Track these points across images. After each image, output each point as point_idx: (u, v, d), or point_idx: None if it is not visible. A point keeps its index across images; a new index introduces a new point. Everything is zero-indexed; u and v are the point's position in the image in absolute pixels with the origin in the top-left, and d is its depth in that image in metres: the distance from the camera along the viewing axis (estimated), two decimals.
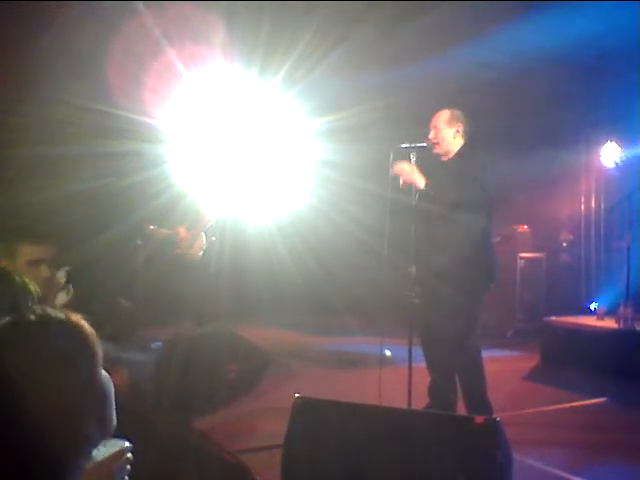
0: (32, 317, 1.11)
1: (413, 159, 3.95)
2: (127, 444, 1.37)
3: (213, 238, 5.56)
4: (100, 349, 1.17)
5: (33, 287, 1.73)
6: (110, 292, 4.85)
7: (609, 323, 6.32)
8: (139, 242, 5.57)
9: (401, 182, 3.98)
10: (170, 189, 5.39)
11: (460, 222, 3.90)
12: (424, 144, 4.07)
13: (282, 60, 6.37)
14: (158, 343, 5.06)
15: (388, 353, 4.07)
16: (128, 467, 1.37)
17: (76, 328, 1.14)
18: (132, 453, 1.40)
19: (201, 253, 5.46)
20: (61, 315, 1.14)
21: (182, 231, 5.59)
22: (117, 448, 1.34)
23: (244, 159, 6.72)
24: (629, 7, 5.69)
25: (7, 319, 1.12)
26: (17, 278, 1.72)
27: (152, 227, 5.51)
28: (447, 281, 3.91)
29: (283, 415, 2.98)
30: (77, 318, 1.16)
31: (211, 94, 6.69)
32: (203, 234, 5.51)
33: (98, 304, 4.00)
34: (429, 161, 4.14)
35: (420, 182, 3.92)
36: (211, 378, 4.42)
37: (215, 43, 6.12)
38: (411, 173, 3.92)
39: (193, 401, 3.97)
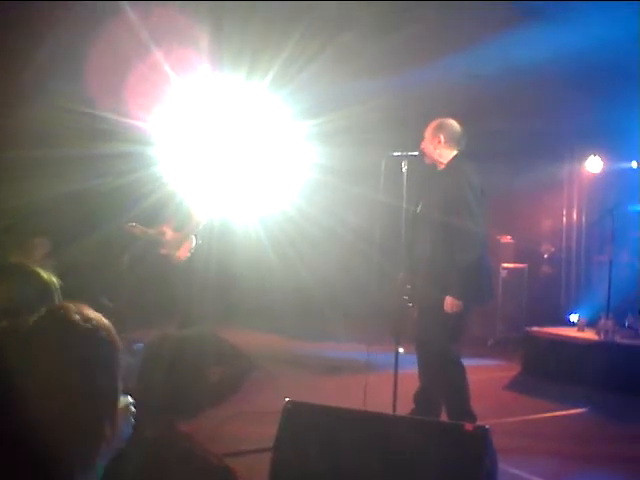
0: (76, 316, 1.11)
1: (404, 167, 3.98)
2: (129, 399, 1.39)
3: (200, 241, 5.53)
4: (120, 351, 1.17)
5: (56, 281, 1.73)
6: (95, 292, 4.81)
7: (590, 335, 6.39)
8: (124, 243, 5.53)
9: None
10: (160, 190, 5.36)
11: (464, 233, 3.92)
12: (415, 153, 4.11)
13: (271, 62, 6.37)
14: (140, 345, 5.01)
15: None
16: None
17: (105, 331, 1.14)
18: (118, 455, 1.41)
19: (188, 255, 5.43)
20: (84, 314, 1.14)
21: (169, 232, 5.55)
22: (125, 403, 1.37)
23: (233, 161, 6.70)
24: (616, 22, 5.79)
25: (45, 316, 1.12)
26: (43, 274, 1.72)
27: (137, 227, 5.47)
28: (438, 288, 3.93)
29: (267, 419, 2.97)
30: (102, 319, 1.16)
31: (200, 96, 6.67)
32: (193, 236, 5.48)
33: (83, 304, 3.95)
34: (423, 169, 4.17)
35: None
36: (195, 381, 4.39)
37: (202, 45, 6.11)
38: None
39: (178, 403, 3.94)
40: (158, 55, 5.95)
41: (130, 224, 5.43)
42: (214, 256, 5.51)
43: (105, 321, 1.18)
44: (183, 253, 5.47)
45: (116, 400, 1.17)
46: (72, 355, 1.10)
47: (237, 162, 6.79)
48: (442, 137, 4.11)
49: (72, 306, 1.16)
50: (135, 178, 5.53)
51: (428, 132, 4.16)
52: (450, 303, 3.90)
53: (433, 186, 4.14)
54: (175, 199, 5.46)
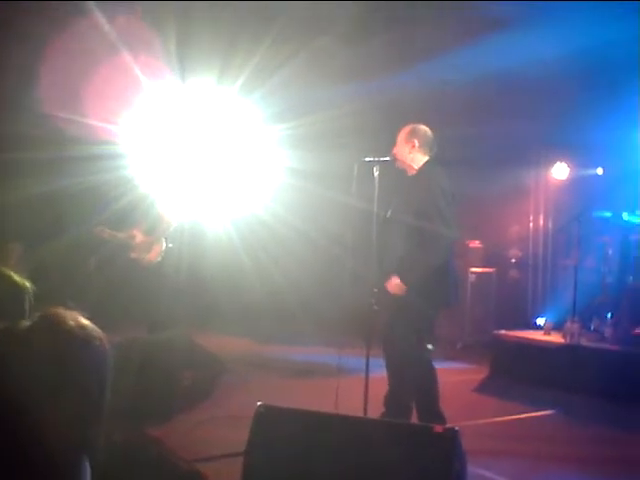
0: (71, 323, 1.10)
1: (376, 172, 4.02)
2: None
3: (170, 245, 5.49)
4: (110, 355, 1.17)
5: (28, 285, 1.71)
6: (63, 295, 4.73)
7: (556, 338, 6.51)
8: (92, 246, 5.47)
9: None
10: (130, 193, 5.31)
11: (433, 236, 3.97)
12: (387, 158, 4.16)
13: (243, 65, 6.37)
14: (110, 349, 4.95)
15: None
16: None
17: (98, 339, 1.14)
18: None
19: (159, 258, 5.39)
20: (78, 321, 1.14)
21: (138, 235, 5.51)
22: None
23: (205, 164, 6.68)
24: (583, 32, 5.92)
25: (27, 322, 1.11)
26: (16, 278, 1.70)
27: (106, 230, 5.41)
28: (411, 290, 3.98)
29: (238, 423, 2.97)
30: (95, 327, 1.16)
31: (171, 99, 6.64)
32: (163, 239, 5.44)
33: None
34: (394, 174, 4.22)
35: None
36: (166, 385, 4.36)
37: (171, 48, 6.08)
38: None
39: (147, 408, 3.91)
40: (127, 58, 5.91)
41: (99, 227, 5.37)
42: (185, 259, 5.49)
43: (98, 329, 1.18)
44: (153, 257, 5.43)
45: (104, 408, 1.17)
46: (67, 362, 1.09)
47: (209, 165, 6.77)
48: (416, 142, 4.17)
49: (66, 312, 1.16)
50: (105, 181, 5.47)
51: (401, 137, 4.21)
52: (395, 284, 3.94)
53: (404, 190, 4.19)
54: (145, 202, 5.41)
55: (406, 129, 4.24)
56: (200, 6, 5.85)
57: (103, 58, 5.81)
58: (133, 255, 5.47)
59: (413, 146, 4.17)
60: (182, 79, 6.53)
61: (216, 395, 4.94)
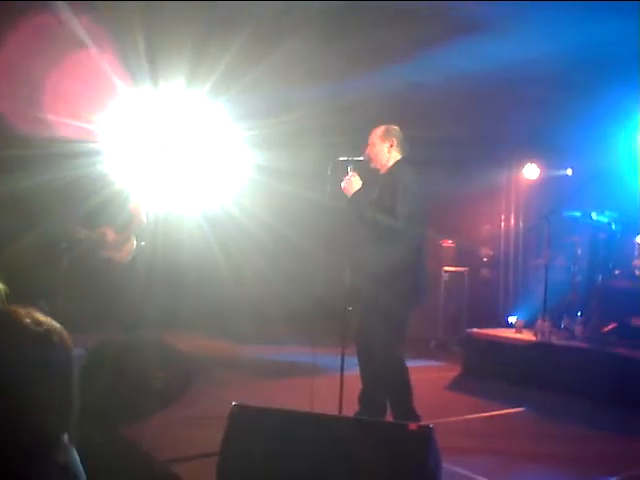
0: (27, 320, 1.09)
1: (350, 172, 4.04)
2: None
3: (143, 243, 5.44)
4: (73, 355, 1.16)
5: (2, 287, 1.68)
6: (33, 296, 4.66)
7: (527, 336, 6.61)
8: (64, 245, 5.38)
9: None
10: (101, 191, 5.24)
11: (396, 232, 4.00)
12: (361, 158, 4.18)
13: (215, 63, 6.34)
14: (82, 350, 4.89)
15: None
16: None
17: (57, 335, 1.13)
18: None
19: (130, 257, 5.33)
20: (34, 318, 1.12)
21: (110, 233, 5.44)
22: None
23: (178, 163, 6.63)
24: (551, 34, 6.00)
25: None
26: None
27: (77, 228, 5.33)
28: (382, 287, 4.01)
29: (212, 424, 2.96)
30: (54, 323, 1.14)
31: (141, 98, 6.58)
32: (134, 237, 5.39)
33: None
34: (367, 174, 4.24)
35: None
36: (139, 386, 4.32)
37: (140, 47, 6.03)
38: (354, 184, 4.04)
39: (120, 409, 3.87)
40: (95, 57, 5.84)
41: (72, 226, 5.29)
42: (158, 258, 5.44)
43: (57, 324, 1.16)
44: (125, 255, 5.37)
45: (70, 405, 1.16)
46: (24, 360, 1.08)
47: (181, 164, 6.72)
48: (394, 141, 4.21)
49: (22, 310, 1.14)
50: (77, 179, 5.39)
51: (377, 137, 4.24)
52: (354, 182, 4.02)
53: (377, 189, 4.22)
54: (117, 200, 5.35)
55: (380, 129, 4.27)
56: (170, 7, 5.80)
57: (69, 56, 5.74)
58: (105, 254, 5.40)
59: (391, 145, 4.21)
60: (152, 79, 6.47)
61: (190, 395, 4.91)
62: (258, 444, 2.76)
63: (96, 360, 4.29)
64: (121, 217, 5.38)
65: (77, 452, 1.49)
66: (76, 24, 5.47)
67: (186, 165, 6.89)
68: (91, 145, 5.91)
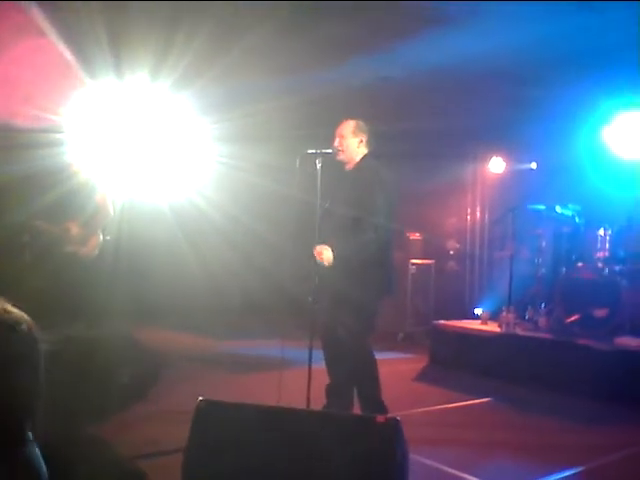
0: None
1: (319, 165, 4.04)
2: None
3: (108, 237, 5.35)
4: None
5: None
6: None
7: (492, 327, 6.70)
8: (25, 239, 5.25)
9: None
10: (64, 183, 5.14)
11: (365, 227, 4.02)
12: (329, 150, 4.18)
13: (181, 54, 6.25)
14: (45, 345, 4.80)
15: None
16: None
17: (26, 324, 1.10)
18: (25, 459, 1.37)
19: (96, 251, 5.24)
20: (3, 307, 1.09)
21: (74, 228, 5.34)
22: None
23: (145, 155, 6.54)
24: (516, 28, 6.05)
25: None
26: None
27: (40, 222, 5.22)
28: (351, 281, 4.02)
29: (179, 419, 2.93)
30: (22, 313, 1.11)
31: (105, 90, 6.46)
32: (100, 231, 5.29)
33: None
34: (333, 167, 4.24)
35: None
36: (103, 382, 4.26)
37: (102, 38, 5.92)
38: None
39: (84, 405, 3.81)
40: (56, 45, 5.72)
41: (33, 219, 5.17)
42: (124, 252, 5.36)
43: (25, 315, 1.14)
44: (90, 250, 5.28)
45: (37, 395, 1.13)
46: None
47: (148, 157, 6.63)
48: (364, 137, 4.24)
49: None
50: (40, 170, 5.27)
51: (348, 131, 4.25)
52: (327, 255, 3.97)
53: (347, 184, 4.22)
54: (82, 193, 5.25)
55: (350, 124, 4.29)
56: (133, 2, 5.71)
57: (27, 45, 5.60)
58: (69, 249, 5.29)
59: (361, 141, 4.26)
60: (116, 71, 6.36)
61: (156, 391, 4.85)
62: (225, 439, 2.73)
63: (60, 356, 4.21)
64: (87, 210, 5.28)
65: (39, 449, 1.45)
66: (35, 13, 5.34)
67: (152, 158, 6.80)
68: (52, 136, 5.79)
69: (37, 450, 1.20)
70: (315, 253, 4.01)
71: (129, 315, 5.94)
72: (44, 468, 1.20)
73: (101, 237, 5.30)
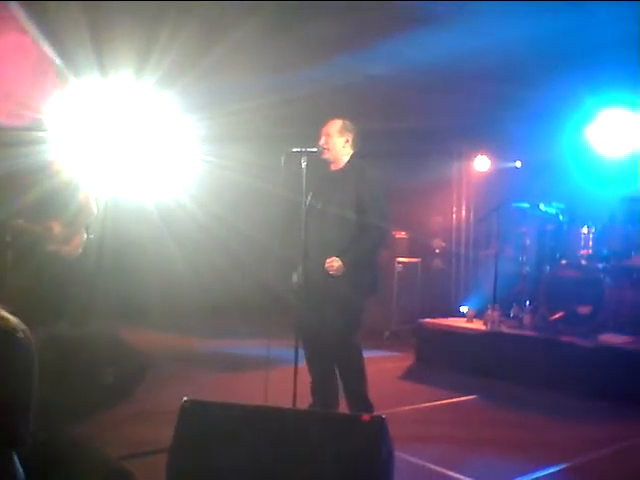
0: None
1: (304, 163, 4.03)
2: None
3: (92, 236, 5.31)
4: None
5: None
6: None
7: (477, 325, 6.73)
8: (8, 239, 5.20)
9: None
10: (48, 181, 5.09)
11: (370, 228, 4.03)
12: (315, 149, 4.17)
13: (165, 53, 6.22)
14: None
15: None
16: None
17: (22, 332, 1.09)
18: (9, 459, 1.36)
19: (79, 250, 5.19)
20: (10, 317, 1.08)
21: (57, 226, 5.28)
22: None
23: (128, 153, 6.50)
24: (502, 26, 6.08)
25: None
26: None
27: (21, 222, 5.16)
28: (338, 278, 4.02)
29: (165, 419, 2.91)
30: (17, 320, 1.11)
31: (89, 88, 6.41)
32: (83, 230, 5.25)
33: None
34: (318, 165, 4.23)
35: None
36: (88, 382, 4.22)
37: (84, 37, 5.87)
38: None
39: (69, 405, 3.77)
40: (38, 43, 5.66)
41: (15, 218, 5.12)
42: (108, 251, 5.32)
43: (21, 322, 1.13)
44: (73, 248, 5.23)
45: (30, 401, 1.13)
46: None
47: (133, 155, 6.59)
48: (350, 137, 4.25)
49: None
50: (21, 168, 5.21)
51: (334, 130, 4.25)
52: (337, 266, 3.98)
53: (338, 185, 4.21)
54: (65, 191, 5.20)
55: (337, 123, 4.28)
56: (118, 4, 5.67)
57: (8, 43, 5.55)
58: (52, 247, 5.24)
59: (347, 140, 4.26)
60: (100, 70, 6.32)
61: (141, 391, 4.82)
62: (209, 439, 2.72)
63: (44, 356, 4.17)
64: (70, 208, 5.23)
65: (25, 451, 1.44)
66: (17, 11, 5.29)
67: (137, 156, 6.76)
68: (35, 134, 5.73)
69: (14, 455, 1.19)
70: (327, 266, 3.99)
71: (114, 314, 5.91)
72: (20, 469, 1.19)
73: (84, 236, 5.26)
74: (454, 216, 9.63)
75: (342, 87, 7.08)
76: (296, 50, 6.55)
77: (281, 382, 3.96)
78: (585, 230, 6.62)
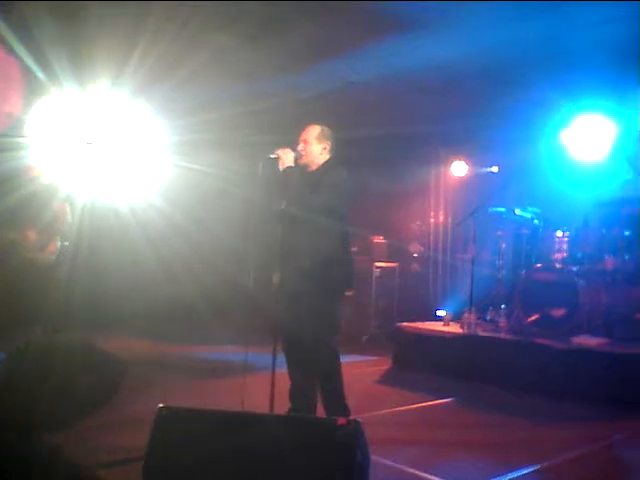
0: None
1: (281, 169, 4.06)
2: None
3: (67, 243, 5.27)
4: None
5: None
6: None
7: (454, 328, 6.79)
8: None
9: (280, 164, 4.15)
10: (24, 188, 5.05)
11: (320, 227, 4.07)
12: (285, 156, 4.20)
13: (139, 64, 6.21)
14: (2, 354, 4.70)
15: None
16: None
17: None
18: None
19: (54, 257, 5.15)
20: None
21: (32, 233, 5.24)
22: None
23: (105, 160, 6.47)
24: (480, 34, 6.15)
25: None
26: None
27: None
28: (312, 281, 4.04)
29: (141, 427, 2.91)
30: None
31: (66, 95, 6.37)
32: (58, 237, 5.21)
33: None
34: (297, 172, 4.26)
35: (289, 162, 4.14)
36: (63, 391, 4.19)
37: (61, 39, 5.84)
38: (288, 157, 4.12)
39: (44, 415, 3.74)
40: (18, 53, 5.63)
41: None
42: (83, 258, 5.28)
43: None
44: (48, 255, 5.19)
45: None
46: None
47: (109, 162, 6.56)
48: (328, 145, 4.29)
49: None
50: None
51: (312, 137, 4.28)
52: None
53: (311, 188, 4.23)
54: (39, 198, 5.16)
55: (315, 129, 4.31)
56: (95, 5, 5.64)
57: None
58: (26, 254, 5.20)
59: (325, 148, 4.29)
60: (77, 77, 6.28)
61: (118, 399, 4.78)
62: (185, 446, 2.73)
63: (17, 365, 4.13)
64: (45, 215, 5.19)
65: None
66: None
67: (114, 163, 6.73)
68: (10, 140, 5.69)
69: None
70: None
71: (89, 321, 5.85)
72: None
73: (59, 243, 5.22)
74: (432, 221, 9.71)
75: (320, 94, 7.12)
76: (273, 57, 6.58)
77: (259, 388, 3.96)
78: (560, 234, 6.71)
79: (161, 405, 2.80)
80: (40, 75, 5.82)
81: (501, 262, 7.23)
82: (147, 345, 7.20)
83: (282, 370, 4.15)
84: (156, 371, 6.02)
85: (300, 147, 4.28)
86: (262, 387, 3.94)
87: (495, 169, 8.67)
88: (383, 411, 5.06)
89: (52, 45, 5.64)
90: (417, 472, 3.71)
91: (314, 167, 4.31)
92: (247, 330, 4.11)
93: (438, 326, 7.00)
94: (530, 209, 7.14)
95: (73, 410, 4.09)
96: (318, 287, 4.06)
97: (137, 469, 2.81)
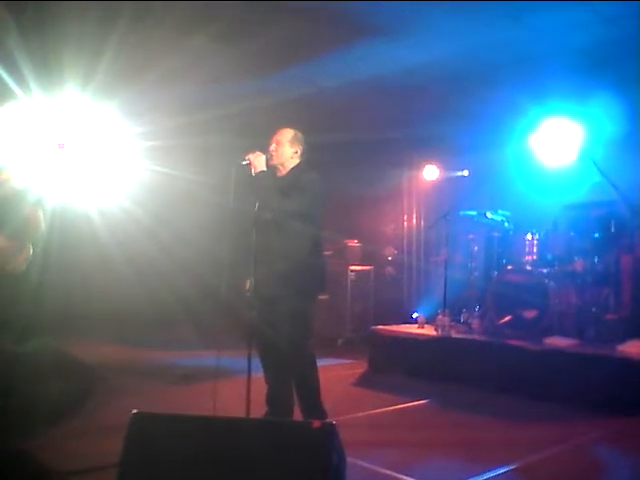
0: None
1: (253, 174, 4.06)
2: None
3: (37, 249, 5.18)
4: None
5: None
6: None
7: (428, 331, 6.83)
8: None
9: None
10: None
11: (292, 231, 4.08)
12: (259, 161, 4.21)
13: (111, 66, 6.15)
14: None
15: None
16: None
17: None
18: None
19: (24, 265, 5.06)
20: None
21: (1, 240, 5.14)
22: None
23: (76, 165, 6.39)
24: (452, 39, 6.22)
25: None
26: None
27: None
28: (285, 285, 4.04)
29: (114, 433, 2.87)
30: None
31: (35, 99, 6.28)
32: (29, 244, 5.11)
33: None
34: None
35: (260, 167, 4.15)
36: (33, 398, 4.12)
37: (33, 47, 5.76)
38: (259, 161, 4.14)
39: (13, 423, 3.68)
40: None
41: None
42: (54, 264, 5.20)
43: None
44: (19, 263, 5.09)
45: None
46: None
47: (80, 166, 6.48)
48: (299, 149, 4.30)
49: None
50: None
51: (285, 140, 4.28)
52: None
53: (282, 192, 4.23)
54: (10, 203, 5.06)
55: (289, 133, 4.32)
56: (66, 6, 5.57)
57: None
58: None
59: (297, 152, 4.30)
60: (47, 79, 6.19)
61: (89, 405, 4.73)
62: (159, 452, 2.69)
63: None
64: (14, 223, 5.10)
65: None
66: None
67: (85, 167, 6.65)
68: None
69: None
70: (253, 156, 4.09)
71: (60, 329, 5.77)
72: None
73: (30, 250, 5.13)
74: (405, 224, 9.77)
75: (292, 98, 7.13)
76: (245, 61, 6.57)
77: (234, 393, 3.94)
78: (530, 237, 6.80)
79: (135, 411, 2.76)
80: (7, 79, 5.73)
81: (473, 264, 7.30)
82: (119, 351, 7.12)
83: (259, 374, 4.13)
84: (128, 377, 5.95)
85: (272, 147, 4.28)
86: (237, 391, 3.92)
87: (466, 173, 8.76)
88: (359, 413, 5.07)
89: (19, 49, 5.56)
90: (393, 473, 3.72)
91: (284, 171, 4.32)
92: (220, 334, 4.07)
93: (413, 329, 7.03)
94: (501, 212, 7.23)
95: (44, 417, 4.02)
96: (291, 291, 4.07)
97: (111, 475, 2.77)
